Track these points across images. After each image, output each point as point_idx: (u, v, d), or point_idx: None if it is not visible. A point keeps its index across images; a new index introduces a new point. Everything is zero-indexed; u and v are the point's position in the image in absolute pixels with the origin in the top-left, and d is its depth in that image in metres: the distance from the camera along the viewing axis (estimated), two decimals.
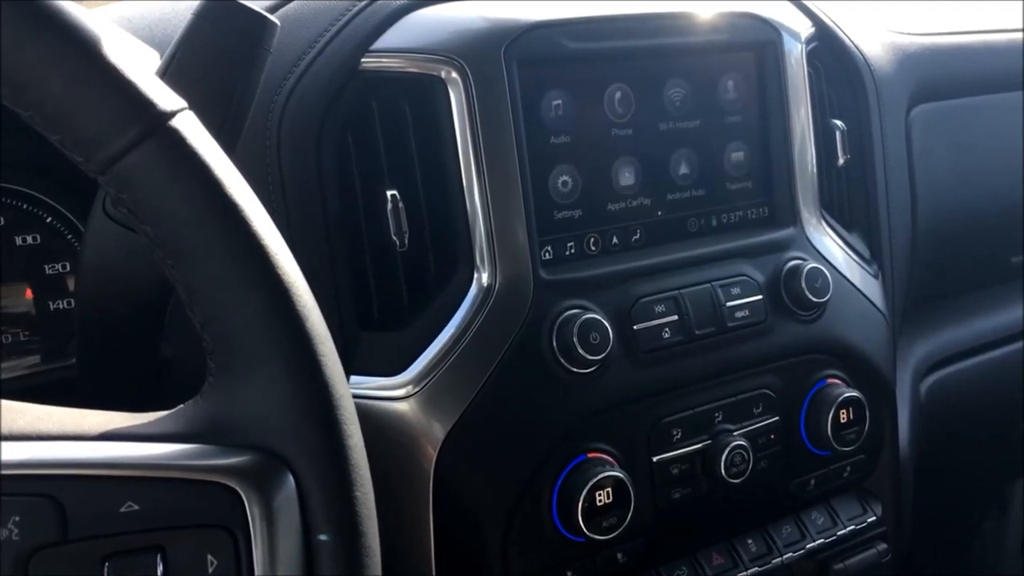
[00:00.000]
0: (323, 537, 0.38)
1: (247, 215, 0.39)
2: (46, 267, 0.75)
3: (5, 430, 0.36)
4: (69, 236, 0.76)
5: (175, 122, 0.39)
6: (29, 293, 0.75)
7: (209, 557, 0.37)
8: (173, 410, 0.40)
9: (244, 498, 0.37)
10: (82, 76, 0.37)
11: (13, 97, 0.37)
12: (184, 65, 0.52)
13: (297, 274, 0.40)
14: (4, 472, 0.35)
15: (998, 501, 1.42)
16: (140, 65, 0.39)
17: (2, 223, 0.73)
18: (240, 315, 0.38)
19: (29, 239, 0.74)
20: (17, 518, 0.34)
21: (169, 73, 0.52)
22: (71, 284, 0.76)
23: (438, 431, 0.69)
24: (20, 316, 0.75)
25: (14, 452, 0.36)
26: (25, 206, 0.74)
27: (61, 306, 0.76)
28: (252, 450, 0.38)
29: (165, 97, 0.39)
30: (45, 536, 0.35)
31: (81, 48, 0.37)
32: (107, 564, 0.35)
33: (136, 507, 0.36)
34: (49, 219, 0.75)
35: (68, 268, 0.76)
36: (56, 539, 0.35)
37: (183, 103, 0.40)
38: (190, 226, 0.38)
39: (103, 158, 0.38)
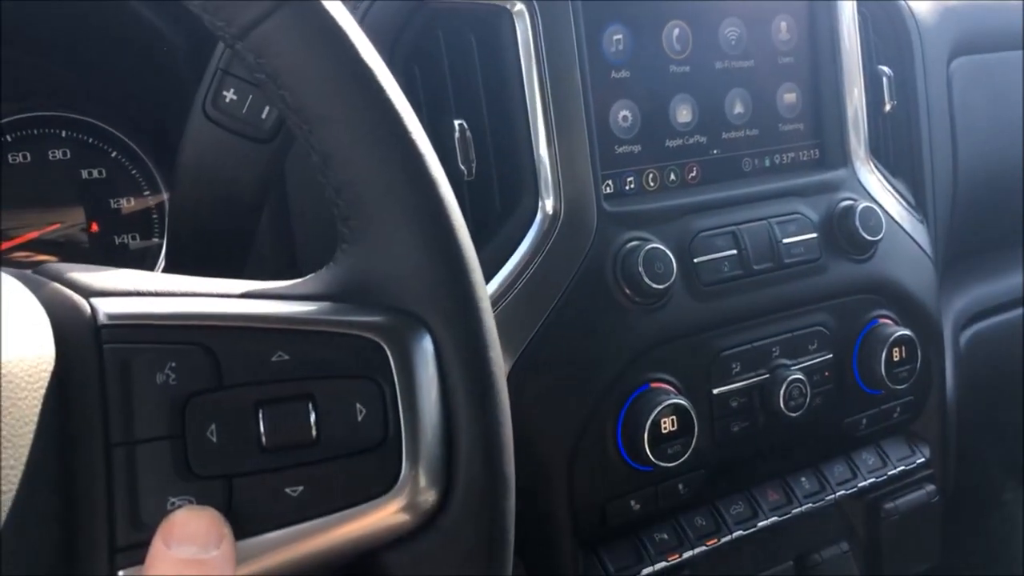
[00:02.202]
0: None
1: (383, 82, 0.40)
2: (111, 201, 0.76)
3: (152, 288, 0.37)
4: (134, 171, 0.76)
5: None
6: (95, 227, 0.75)
7: (358, 406, 0.37)
8: (306, 277, 0.41)
9: (388, 352, 0.38)
10: None
11: None
12: None
13: (428, 143, 0.41)
14: (156, 323, 0.35)
15: (1018, 471, 1.42)
16: None
17: (68, 156, 0.74)
18: (376, 180, 0.39)
19: (95, 172, 0.75)
20: (173, 363, 0.35)
21: None
22: (134, 218, 0.77)
23: (505, 362, 0.70)
24: (82, 249, 0.75)
25: (164, 306, 0.36)
26: (91, 139, 0.74)
27: (125, 240, 0.76)
28: (389, 310, 0.39)
29: None
30: (201, 382, 0.35)
31: None
32: (261, 410, 0.36)
33: (286, 357, 0.36)
34: (114, 153, 0.75)
35: (132, 203, 0.76)
36: (211, 385, 0.35)
37: None
38: (329, 90, 0.39)
39: (244, 22, 0.38)
